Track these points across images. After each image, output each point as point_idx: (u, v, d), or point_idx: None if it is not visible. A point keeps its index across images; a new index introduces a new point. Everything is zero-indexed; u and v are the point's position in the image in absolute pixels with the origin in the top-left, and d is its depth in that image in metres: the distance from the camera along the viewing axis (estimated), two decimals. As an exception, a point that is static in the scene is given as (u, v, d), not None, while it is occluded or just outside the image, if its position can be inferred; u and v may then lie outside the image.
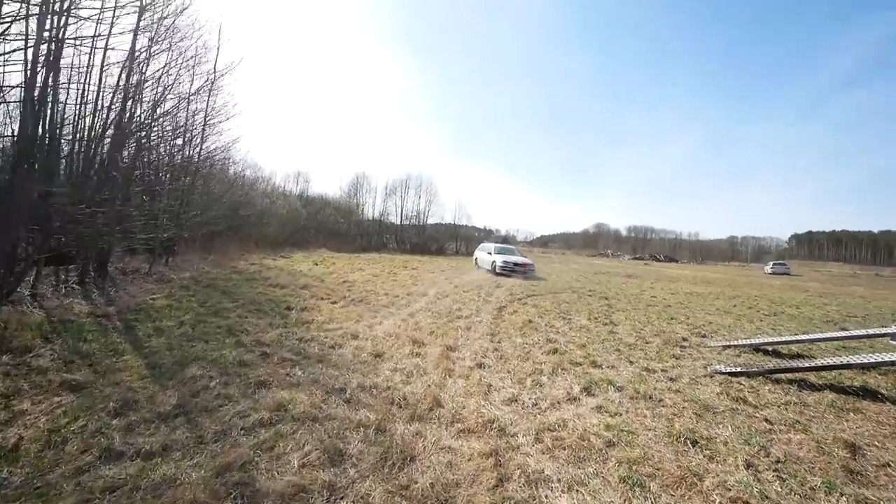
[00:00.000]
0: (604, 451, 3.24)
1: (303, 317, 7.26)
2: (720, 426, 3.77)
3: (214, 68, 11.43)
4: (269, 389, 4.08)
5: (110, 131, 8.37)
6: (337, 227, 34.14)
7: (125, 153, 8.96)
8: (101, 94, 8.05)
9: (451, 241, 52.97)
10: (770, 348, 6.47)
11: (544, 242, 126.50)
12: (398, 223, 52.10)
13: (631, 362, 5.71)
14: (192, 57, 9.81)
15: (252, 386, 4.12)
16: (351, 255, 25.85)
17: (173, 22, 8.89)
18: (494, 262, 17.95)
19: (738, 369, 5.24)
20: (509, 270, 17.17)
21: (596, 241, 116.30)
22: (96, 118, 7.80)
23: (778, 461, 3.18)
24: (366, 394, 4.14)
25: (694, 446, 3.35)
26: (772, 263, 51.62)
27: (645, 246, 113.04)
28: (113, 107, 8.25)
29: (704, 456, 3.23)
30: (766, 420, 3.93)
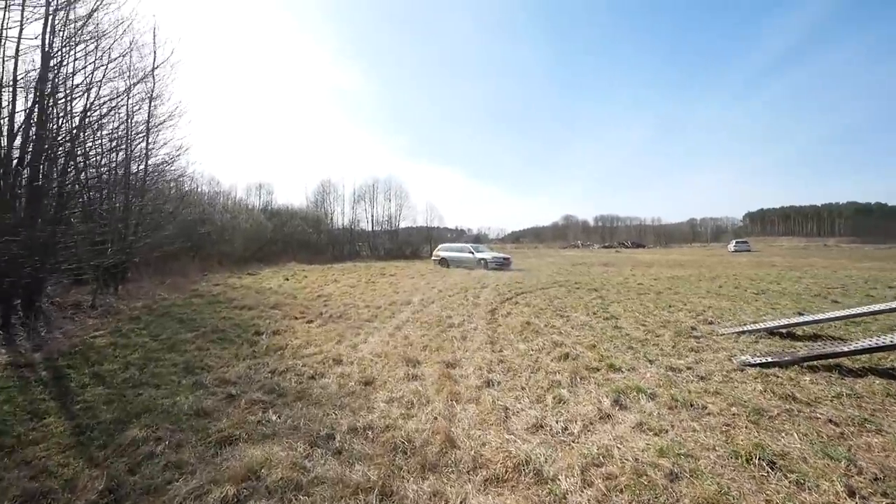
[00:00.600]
0: (671, 489, 2.58)
1: (275, 342, 6.31)
2: (785, 435, 3.19)
3: (153, 73, 10.22)
4: (236, 447, 3.19)
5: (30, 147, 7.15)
6: (306, 238, 32.64)
7: (52, 169, 7.70)
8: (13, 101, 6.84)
9: (426, 243, 52.16)
10: (784, 331, 6.09)
11: (516, 238, 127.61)
12: (370, 230, 50.87)
13: (650, 361, 5.13)
14: (121, 57, 8.60)
15: (213, 445, 3.22)
16: (324, 266, 24.59)
17: (95, 23, 7.73)
18: (484, 259, 20.44)
19: (769, 359, 4.75)
20: (499, 265, 20.01)
21: (565, 233, 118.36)
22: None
23: (876, 478, 2.61)
24: (360, 439, 3.32)
25: (772, 469, 2.74)
26: (734, 242, 53.81)
27: (613, 234, 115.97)
28: (32, 119, 7.04)
29: (791, 482, 2.62)
30: (831, 422, 3.39)
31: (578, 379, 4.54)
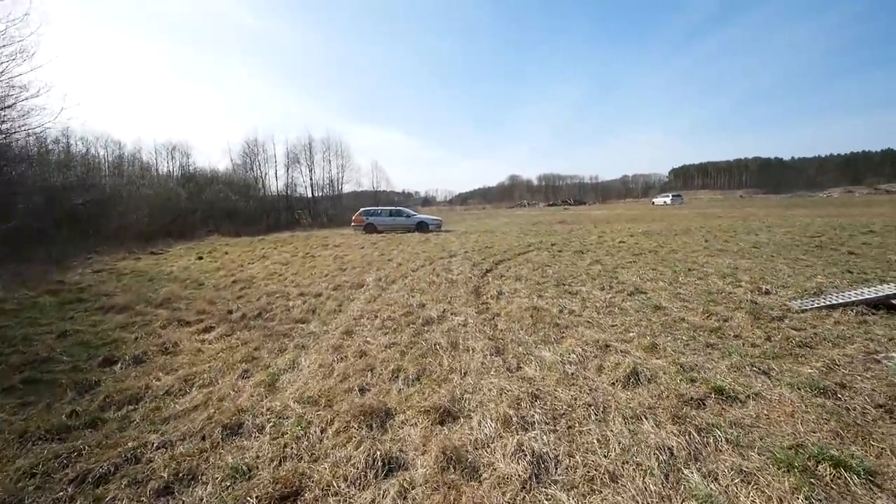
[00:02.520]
0: None
1: (126, 385, 3.56)
2: None
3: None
4: None
5: None
6: (232, 206, 28.01)
7: None
8: None
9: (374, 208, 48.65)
10: (892, 302, 4.41)
11: (464, 200, 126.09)
12: (309, 195, 46.03)
13: (764, 373, 3.15)
14: None
15: None
16: (254, 239, 20.86)
17: None
18: (423, 222, 19.54)
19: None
20: (437, 227, 19.72)
21: (512, 193, 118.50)
22: None
23: None
24: None
25: None
26: (670, 195, 55.70)
27: (556, 192, 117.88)
28: None
29: None
30: None
31: (693, 431, 2.41)
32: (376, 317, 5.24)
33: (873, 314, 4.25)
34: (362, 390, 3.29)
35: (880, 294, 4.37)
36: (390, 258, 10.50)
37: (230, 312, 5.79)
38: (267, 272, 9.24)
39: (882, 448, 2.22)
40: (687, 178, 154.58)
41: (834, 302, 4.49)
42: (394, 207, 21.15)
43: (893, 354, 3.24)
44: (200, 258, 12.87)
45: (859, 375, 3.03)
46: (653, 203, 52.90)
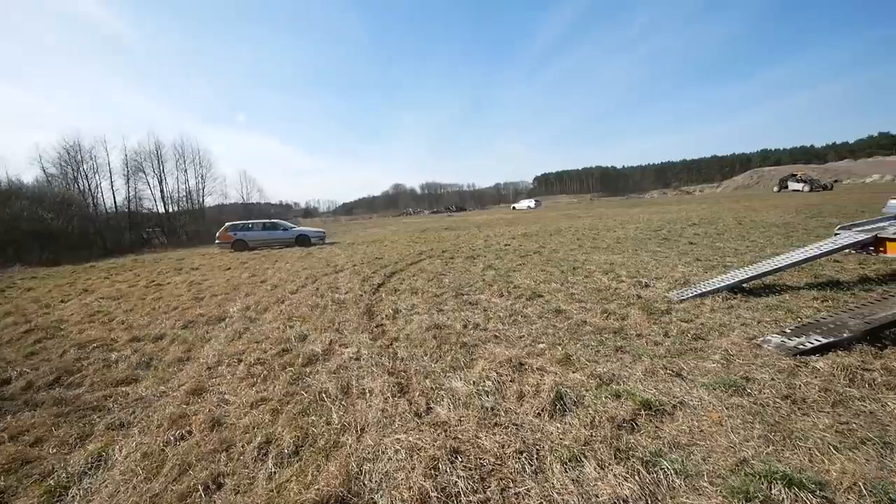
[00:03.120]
0: None
1: None
2: None
3: None
4: None
5: None
6: (45, 228, 21.70)
7: None
8: None
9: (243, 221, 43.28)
10: (746, 286, 4.94)
11: (349, 210, 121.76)
12: (162, 210, 38.72)
13: (678, 375, 3.03)
14: None
15: None
16: (78, 267, 16.29)
17: None
18: (304, 234, 17.79)
19: (820, 339, 3.17)
20: (321, 239, 18.04)
21: (397, 202, 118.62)
22: None
23: None
24: None
25: None
26: (533, 201, 62.11)
27: (439, 200, 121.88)
28: None
29: None
30: None
31: (640, 468, 2.03)
32: (240, 361, 4.02)
33: (734, 297, 4.68)
34: (210, 489, 2.22)
35: (735, 280, 4.87)
36: (263, 279, 8.90)
37: (3, 384, 3.89)
38: (86, 312, 6.91)
39: (810, 449, 2.11)
40: (548, 185, 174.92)
41: (703, 290, 4.86)
42: (268, 220, 18.72)
43: (770, 338, 3.44)
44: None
45: (753, 364, 3.10)
46: (513, 208, 57.96)
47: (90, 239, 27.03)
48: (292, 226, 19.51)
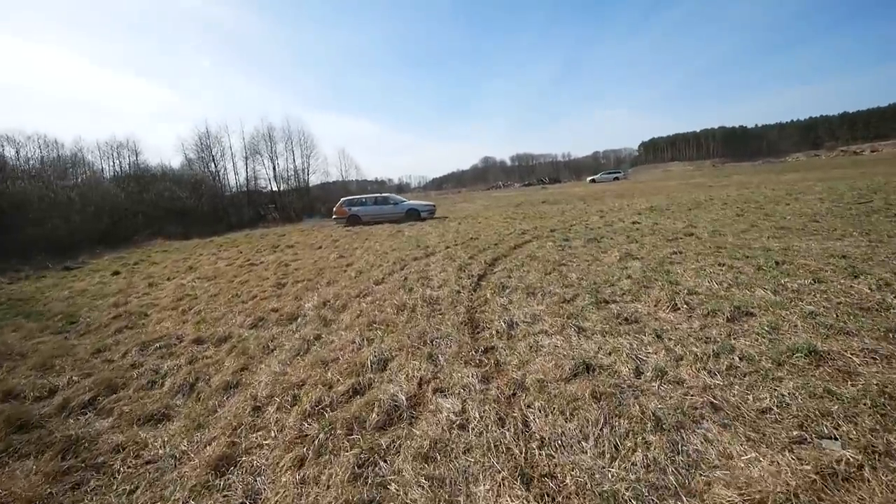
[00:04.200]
0: None
1: None
2: None
3: None
4: None
5: None
6: (181, 206, 24.54)
7: None
8: None
9: (344, 197, 45.46)
10: None
11: (438, 185, 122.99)
12: (274, 188, 42.35)
13: None
14: None
15: None
16: (201, 241, 17.79)
17: None
18: (415, 209, 17.07)
19: None
20: (431, 213, 17.16)
21: (486, 175, 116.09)
22: None
23: None
24: None
25: None
26: (619, 172, 53.92)
27: (530, 172, 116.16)
28: None
29: None
30: None
31: None
32: (295, 402, 2.76)
33: None
34: None
35: None
36: (350, 262, 7.94)
37: (37, 399, 3.20)
38: (177, 295, 6.56)
39: None
40: (657, 151, 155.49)
41: None
42: (379, 195, 18.01)
43: None
44: (117, 273, 10.00)
45: None
46: (592, 181, 49.43)
47: (218, 215, 30.27)
48: (402, 199, 18.74)
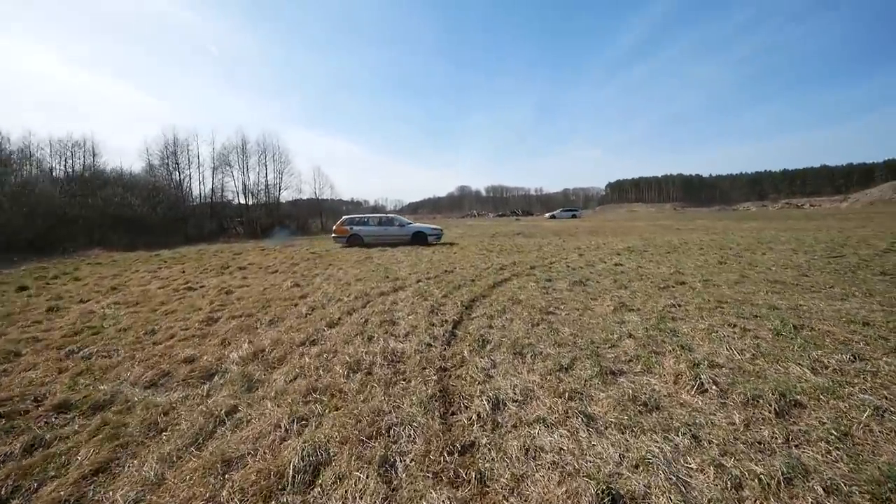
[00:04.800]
0: None
1: None
2: None
3: None
4: None
5: None
6: (132, 214, 22.39)
7: None
8: None
9: (315, 217, 43.78)
10: None
11: (414, 209, 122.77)
12: (241, 202, 40.24)
13: None
14: None
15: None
16: (147, 254, 15.95)
17: None
18: (421, 232, 16.01)
19: None
20: (438, 237, 16.28)
21: (461, 203, 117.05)
22: None
23: None
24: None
25: None
26: (560, 210, 53.78)
27: (504, 203, 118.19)
28: None
29: None
30: None
31: None
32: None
33: None
34: None
35: None
36: (305, 293, 6.82)
37: None
38: (76, 327, 5.22)
39: None
40: (622, 192, 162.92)
41: None
42: (383, 215, 16.89)
43: None
44: (23, 289, 8.35)
45: None
46: (553, 217, 49.07)
47: (175, 226, 28.04)
48: (408, 222, 17.52)
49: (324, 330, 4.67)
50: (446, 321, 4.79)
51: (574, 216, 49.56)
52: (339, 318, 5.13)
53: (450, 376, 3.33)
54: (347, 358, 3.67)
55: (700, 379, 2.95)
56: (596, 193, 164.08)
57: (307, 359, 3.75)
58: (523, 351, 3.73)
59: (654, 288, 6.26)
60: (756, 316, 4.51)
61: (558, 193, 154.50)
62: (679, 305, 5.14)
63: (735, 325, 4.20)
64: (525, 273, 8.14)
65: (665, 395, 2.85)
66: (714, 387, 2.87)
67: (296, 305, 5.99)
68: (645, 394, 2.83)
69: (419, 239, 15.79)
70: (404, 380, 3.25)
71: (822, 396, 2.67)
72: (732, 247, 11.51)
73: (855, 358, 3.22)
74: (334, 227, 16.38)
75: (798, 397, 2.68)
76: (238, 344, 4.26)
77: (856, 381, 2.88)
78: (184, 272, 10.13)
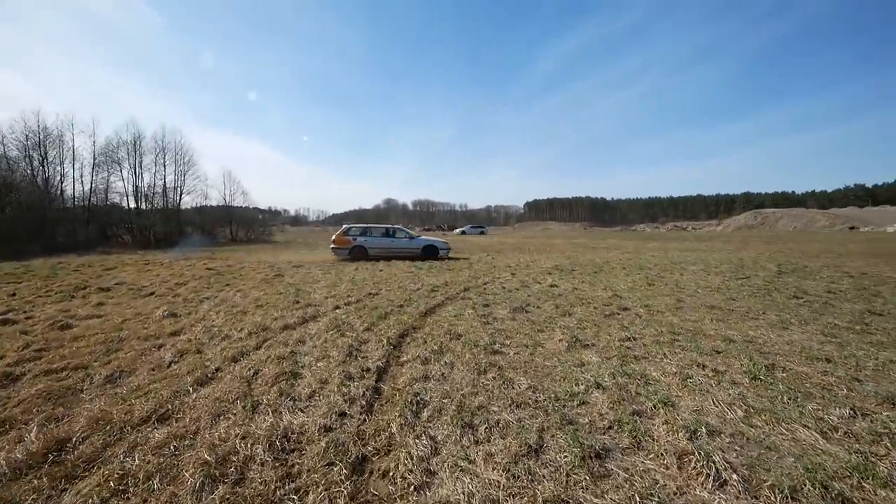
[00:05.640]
0: None
1: None
2: None
3: None
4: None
5: None
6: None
7: None
8: None
9: (224, 225, 38.95)
10: None
11: (338, 221, 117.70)
12: (133, 206, 34.24)
13: None
14: None
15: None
16: (-26, 268, 12.07)
17: None
18: (433, 246, 14.63)
19: None
20: (446, 253, 14.84)
21: (388, 216, 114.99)
22: None
23: None
24: None
25: None
26: (469, 226, 58.05)
27: (430, 218, 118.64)
28: None
29: None
30: None
31: None
32: None
33: None
34: None
35: None
36: (179, 328, 5.08)
37: None
38: None
39: None
40: (538, 210, 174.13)
41: None
42: (388, 226, 15.40)
43: None
44: None
45: None
46: (463, 233, 52.00)
47: (35, 232, 22.60)
48: (414, 234, 15.98)
49: (188, 391, 3.20)
50: (368, 370, 3.61)
51: (482, 233, 52.65)
52: (218, 370, 3.66)
53: (370, 476, 2.18)
54: (208, 453, 2.31)
55: (713, 463, 2.18)
56: (515, 211, 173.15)
57: (139, 456, 2.31)
58: (474, 420, 2.71)
59: (599, 315, 5.72)
60: (718, 352, 4.06)
61: (482, 210, 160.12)
62: (634, 339, 4.56)
63: (704, 366, 3.65)
64: (460, 296, 7.24)
65: (675, 493, 2.02)
66: (733, 475, 2.11)
67: (160, 348, 4.32)
68: (650, 493, 1.97)
69: (430, 253, 14.46)
70: (296, 494, 2.02)
71: (864, 484, 2.04)
72: (650, 267, 11.91)
73: (855, 412, 2.75)
74: (334, 238, 14.49)
75: (838, 485, 2.02)
76: (26, 429, 2.62)
77: (878, 451, 2.34)
78: (14, 295, 7.49)
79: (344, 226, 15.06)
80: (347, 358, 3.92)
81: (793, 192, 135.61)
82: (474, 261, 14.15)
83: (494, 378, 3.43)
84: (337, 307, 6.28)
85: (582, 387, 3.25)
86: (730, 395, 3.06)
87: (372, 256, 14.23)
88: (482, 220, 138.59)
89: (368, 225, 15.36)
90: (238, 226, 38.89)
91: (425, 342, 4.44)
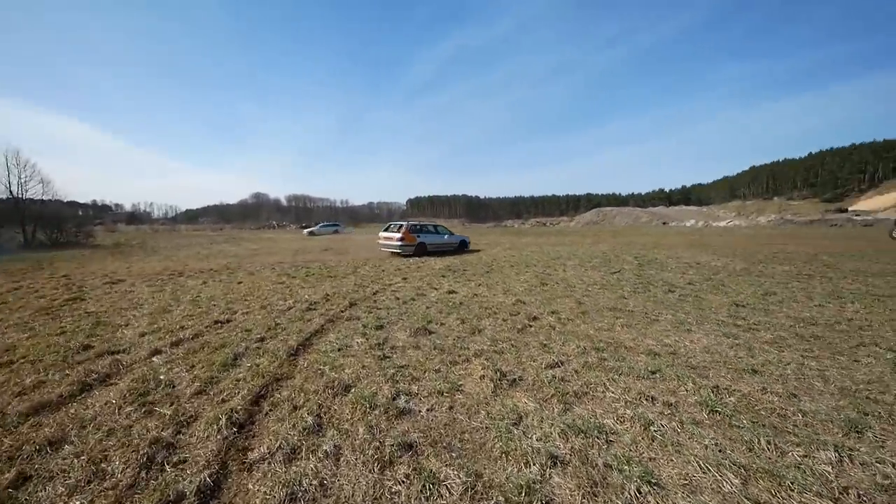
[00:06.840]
0: None
1: None
2: None
3: None
4: None
5: None
6: None
7: None
8: None
9: (13, 225, 28.46)
10: None
11: (193, 217, 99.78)
12: None
13: None
14: None
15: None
16: None
17: None
18: (465, 241, 17.12)
19: None
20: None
21: (258, 212, 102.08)
22: None
23: None
24: None
25: None
26: (321, 224, 44.53)
27: (308, 214, 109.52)
28: None
29: None
30: None
31: None
32: None
33: None
34: None
35: None
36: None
37: None
38: None
39: None
40: (420, 208, 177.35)
41: None
42: (429, 223, 16.73)
43: None
44: None
45: None
46: (312, 234, 38.88)
47: None
48: (449, 231, 17.20)
49: None
50: (181, 498, 1.96)
51: (336, 231, 41.88)
52: None
53: None
54: None
55: None
56: (398, 208, 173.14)
57: None
58: None
59: (511, 330, 4.91)
60: (652, 373, 3.52)
61: (364, 206, 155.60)
62: (561, 363, 3.80)
63: (653, 399, 3.01)
64: (345, 315, 5.72)
65: None
66: None
67: None
68: None
69: (463, 247, 16.89)
70: None
71: None
72: (535, 264, 12.06)
73: (840, 456, 2.29)
74: (400, 235, 14.60)
75: None
76: None
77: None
78: None
79: (409, 223, 15.45)
80: (141, 473, 2.16)
81: (619, 193, 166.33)
82: (360, 264, 12.51)
83: (408, 477, 2.15)
84: (157, 351, 4.16)
85: (535, 468, 2.21)
86: (706, 447, 2.39)
87: (430, 251, 15.12)
88: (365, 217, 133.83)
89: (420, 223, 16.20)
90: (36, 225, 28.86)
91: (294, 409, 2.90)
